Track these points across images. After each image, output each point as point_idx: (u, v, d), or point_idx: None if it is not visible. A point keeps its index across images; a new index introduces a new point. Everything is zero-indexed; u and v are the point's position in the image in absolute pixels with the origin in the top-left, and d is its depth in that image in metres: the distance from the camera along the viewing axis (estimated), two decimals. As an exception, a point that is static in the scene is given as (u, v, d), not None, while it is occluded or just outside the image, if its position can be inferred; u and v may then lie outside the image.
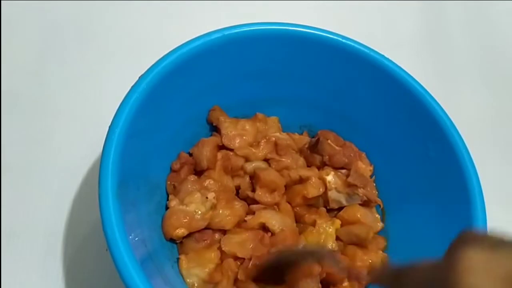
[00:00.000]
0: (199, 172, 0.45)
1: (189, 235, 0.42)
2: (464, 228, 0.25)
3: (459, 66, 0.62)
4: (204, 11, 0.63)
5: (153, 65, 0.39)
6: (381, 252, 0.44)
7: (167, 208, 0.43)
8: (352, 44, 0.44)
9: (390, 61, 0.44)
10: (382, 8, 0.67)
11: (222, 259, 0.42)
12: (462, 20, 0.67)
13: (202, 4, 0.63)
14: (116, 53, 0.56)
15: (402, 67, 0.44)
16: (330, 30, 0.45)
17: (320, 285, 0.42)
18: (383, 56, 0.44)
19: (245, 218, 0.43)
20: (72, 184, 0.49)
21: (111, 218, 0.32)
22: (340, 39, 0.44)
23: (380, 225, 0.46)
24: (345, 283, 0.43)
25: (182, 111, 0.44)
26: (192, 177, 0.43)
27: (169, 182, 0.44)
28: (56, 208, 0.47)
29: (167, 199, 0.43)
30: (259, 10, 0.62)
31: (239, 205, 0.43)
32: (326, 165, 0.47)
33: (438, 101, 0.43)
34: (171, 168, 0.44)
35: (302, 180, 0.46)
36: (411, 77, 0.44)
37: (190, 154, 0.46)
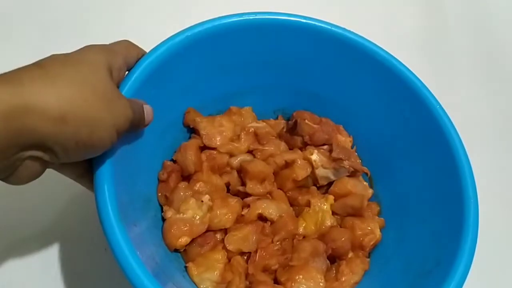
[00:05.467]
0: (186, 177, 0.45)
1: (192, 241, 0.42)
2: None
3: (458, 65, 0.63)
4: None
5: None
6: (377, 217, 0.46)
7: (163, 220, 0.42)
8: (314, 23, 0.44)
9: (354, 33, 0.45)
10: (382, 6, 0.67)
11: (229, 258, 0.42)
12: (462, 18, 0.67)
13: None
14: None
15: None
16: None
17: (328, 262, 0.44)
18: (344, 29, 0.45)
19: (242, 213, 0.44)
20: (72, 184, 0.48)
21: (120, 243, 0.32)
22: (301, 19, 0.44)
23: (370, 191, 0.47)
24: (350, 254, 0.44)
25: (159, 120, 0.42)
26: (183, 184, 0.43)
27: (160, 194, 0.43)
28: (56, 208, 0.47)
29: (161, 211, 0.43)
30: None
31: (234, 201, 0.43)
32: (308, 144, 0.48)
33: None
34: (158, 179, 0.44)
35: (288, 165, 0.46)
36: (377, 46, 0.45)
37: (174, 161, 0.45)
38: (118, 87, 0.36)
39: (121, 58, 0.35)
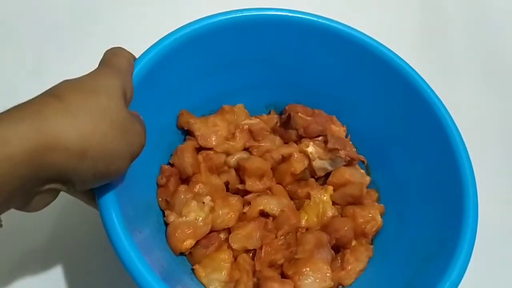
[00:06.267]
0: (185, 180, 0.45)
1: (196, 243, 0.42)
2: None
3: (458, 63, 0.63)
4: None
5: None
6: (376, 203, 0.47)
7: (166, 224, 0.42)
8: (301, 16, 0.44)
9: (341, 23, 0.45)
10: (382, 5, 0.67)
11: (235, 257, 0.42)
12: (462, 18, 0.67)
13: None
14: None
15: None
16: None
17: (332, 252, 0.44)
18: (331, 20, 0.45)
19: (244, 211, 0.44)
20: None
21: (127, 250, 0.32)
22: (288, 13, 0.44)
23: (368, 179, 0.48)
24: (354, 243, 0.45)
25: (153, 125, 0.42)
26: (183, 187, 0.43)
27: (160, 199, 0.43)
28: (56, 208, 0.46)
29: (163, 216, 0.43)
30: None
31: (235, 200, 0.44)
32: (302, 137, 0.48)
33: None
34: (157, 184, 0.44)
35: (285, 159, 0.46)
36: (365, 34, 0.45)
37: (171, 165, 0.45)
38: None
39: (131, 77, 0.35)
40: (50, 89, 0.30)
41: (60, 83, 0.30)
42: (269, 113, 0.51)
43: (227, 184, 0.46)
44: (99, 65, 0.34)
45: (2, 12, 0.58)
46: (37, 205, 0.30)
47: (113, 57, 0.35)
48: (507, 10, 0.68)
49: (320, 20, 0.45)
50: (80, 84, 0.30)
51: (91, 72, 0.33)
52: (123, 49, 0.37)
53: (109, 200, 0.33)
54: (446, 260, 0.36)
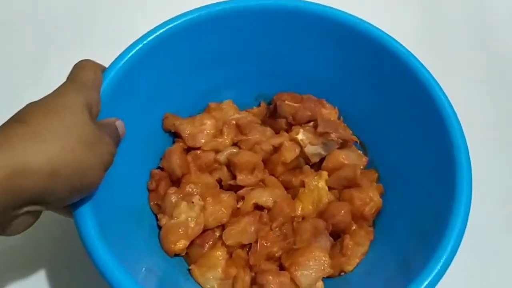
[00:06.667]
0: (176, 182, 0.45)
1: (191, 243, 0.42)
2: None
3: (458, 64, 0.61)
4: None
5: None
6: (375, 184, 0.45)
7: (159, 228, 0.42)
8: (285, 2, 0.44)
9: (328, 7, 0.44)
10: (382, 4, 0.65)
11: (230, 253, 0.42)
12: (462, 17, 0.65)
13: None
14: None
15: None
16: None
17: (331, 239, 0.43)
18: (313, 3, 0.44)
19: (238, 206, 0.43)
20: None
21: (109, 265, 0.32)
22: (271, 1, 0.43)
23: (364, 159, 0.46)
24: (354, 227, 0.43)
25: (137, 130, 0.42)
26: (172, 189, 0.43)
27: (152, 203, 0.44)
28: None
29: (157, 220, 0.43)
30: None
31: (226, 196, 0.43)
32: (293, 125, 0.47)
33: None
34: (148, 189, 0.44)
35: (276, 149, 0.45)
36: (350, 14, 0.44)
37: (161, 169, 0.45)
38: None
39: (96, 92, 0.36)
40: (15, 114, 0.31)
41: (25, 106, 0.31)
42: (259, 105, 0.50)
43: (220, 181, 0.46)
44: (66, 80, 0.35)
45: (2, 12, 0.59)
46: (18, 228, 0.31)
47: (79, 72, 0.36)
48: (507, 9, 0.65)
49: (302, 4, 0.43)
50: (44, 105, 0.31)
51: (55, 90, 0.33)
52: (90, 61, 0.37)
53: (84, 212, 0.33)
54: (441, 236, 0.34)
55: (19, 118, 0.30)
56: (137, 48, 0.40)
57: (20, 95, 0.53)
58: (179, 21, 0.42)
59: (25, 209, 0.29)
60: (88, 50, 0.54)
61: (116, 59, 0.40)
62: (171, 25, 0.42)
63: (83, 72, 0.36)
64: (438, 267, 0.33)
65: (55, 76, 0.55)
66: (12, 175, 0.27)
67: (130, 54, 0.40)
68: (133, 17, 0.61)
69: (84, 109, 0.32)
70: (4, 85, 0.55)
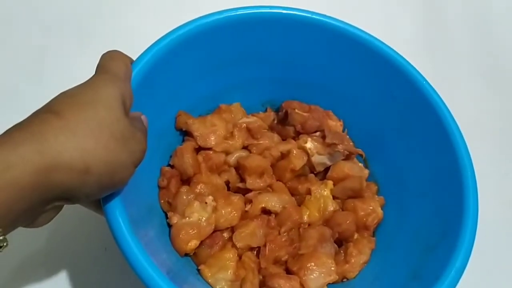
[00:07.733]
0: (186, 181, 0.45)
1: (201, 243, 0.42)
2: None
3: (458, 64, 0.63)
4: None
5: None
6: (376, 196, 0.47)
7: (169, 226, 0.42)
8: (297, 13, 0.45)
9: (339, 20, 0.45)
10: (382, 5, 0.66)
11: (239, 255, 0.42)
12: (462, 17, 0.67)
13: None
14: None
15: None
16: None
17: (335, 246, 0.44)
18: (325, 15, 0.45)
19: (246, 209, 0.44)
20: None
21: (135, 253, 0.32)
22: (282, 11, 0.44)
23: (366, 172, 0.48)
24: (356, 236, 0.45)
25: (152, 127, 0.42)
26: (184, 188, 0.43)
27: (162, 201, 0.43)
28: None
29: (166, 218, 0.43)
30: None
31: (236, 199, 0.44)
32: (300, 133, 0.48)
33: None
34: (158, 186, 0.44)
35: (284, 156, 0.46)
36: (358, 28, 0.45)
37: (171, 166, 0.45)
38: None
39: (129, 82, 0.35)
40: (48, 104, 0.30)
41: (57, 96, 0.30)
42: (266, 110, 0.51)
43: (227, 183, 0.46)
44: (96, 70, 0.34)
45: (2, 12, 0.58)
46: (43, 220, 0.30)
47: (110, 62, 0.35)
48: (507, 11, 0.68)
49: (313, 16, 0.45)
50: (77, 96, 0.30)
51: (88, 81, 0.32)
52: (120, 52, 0.37)
53: (115, 205, 0.33)
54: (450, 249, 0.37)
55: (51, 109, 0.29)
56: (161, 45, 0.41)
57: (20, 95, 0.53)
58: (199, 23, 0.43)
59: (53, 204, 0.29)
60: (88, 50, 0.54)
61: (142, 54, 0.40)
62: (192, 26, 0.43)
63: (115, 63, 0.35)
64: (450, 278, 0.35)
65: (55, 76, 0.54)
66: (45, 171, 0.26)
67: (152, 52, 0.40)
68: (134, 17, 0.61)
69: (119, 103, 0.31)
70: (4, 85, 0.53)
